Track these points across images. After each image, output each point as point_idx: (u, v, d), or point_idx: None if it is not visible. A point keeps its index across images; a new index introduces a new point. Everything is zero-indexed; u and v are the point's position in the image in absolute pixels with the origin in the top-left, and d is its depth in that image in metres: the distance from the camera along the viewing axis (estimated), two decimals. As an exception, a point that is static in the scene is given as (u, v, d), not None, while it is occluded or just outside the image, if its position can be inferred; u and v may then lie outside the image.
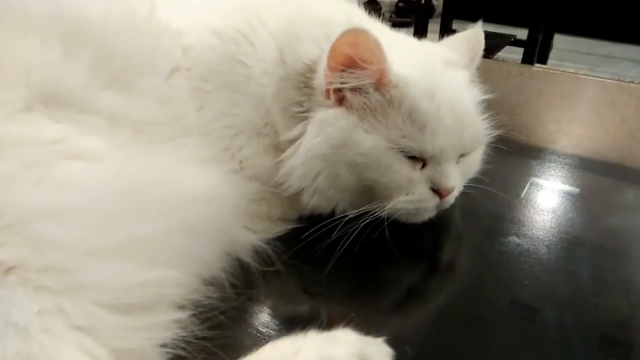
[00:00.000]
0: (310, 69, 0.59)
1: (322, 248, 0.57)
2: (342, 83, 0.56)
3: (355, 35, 0.53)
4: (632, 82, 1.22)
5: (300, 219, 0.63)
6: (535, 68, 1.42)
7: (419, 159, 0.58)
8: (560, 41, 2.65)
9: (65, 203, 0.39)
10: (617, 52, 2.98)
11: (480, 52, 0.69)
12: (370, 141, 0.56)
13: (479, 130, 0.62)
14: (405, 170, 0.57)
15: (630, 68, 2.79)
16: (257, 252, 0.56)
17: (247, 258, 0.55)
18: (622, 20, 3.02)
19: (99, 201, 0.41)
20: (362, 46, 0.53)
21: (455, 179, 0.60)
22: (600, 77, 1.26)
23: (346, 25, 0.54)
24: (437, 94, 0.57)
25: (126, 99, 0.53)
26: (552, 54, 2.58)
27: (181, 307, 0.42)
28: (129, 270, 0.38)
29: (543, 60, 2.53)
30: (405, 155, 0.57)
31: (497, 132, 0.66)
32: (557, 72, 1.32)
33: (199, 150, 0.54)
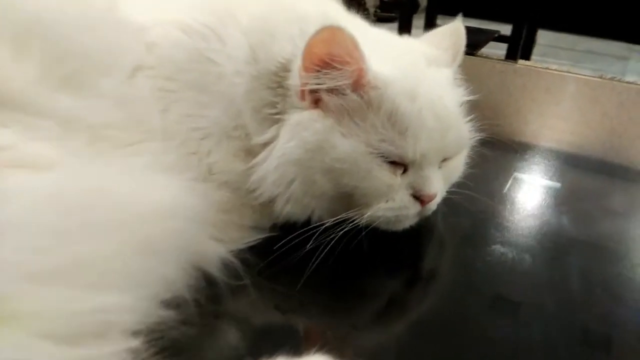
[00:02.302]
0: (285, 68, 0.55)
1: (296, 259, 0.53)
2: (317, 84, 0.52)
3: (330, 33, 0.49)
4: (614, 78, 1.24)
5: (273, 227, 0.59)
6: (518, 65, 1.41)
7: (399, 164, 0.55)
8: (542, 37, 2.65)
9: (2, 220, 0.35)
10: (599, 48, 2.99)
11: (462, 47, 0.65)
12: (347, 145, 0.53)
13: (462, 133, 0.60)
14: (385, 176, 0.54)
15: (613, 63, 2.80)
16: (226, 265, 0.52)
17: (215, 271, 0.51)
18: (604, 17, 3.02)
19: (43, 217, 0.37)
20: (338, 45, 0.50)
21: (438, 184, 0.57)
22: (583, 75, 1.27)
23: (321, 22, 0.51)
24: (418, 95, 0.54)
25: (82, 101, 0.49)
26: (535, 49, 2.57)
27: (136, 334, 0.38)
28: (74, 296, 0.34)
29: (526, 56, 2.52)
30: (385, 161, 0.53)
31: (481, 135, 0.63)
32: (540, 69, 1.32)
33: (162, 156, 0.50)
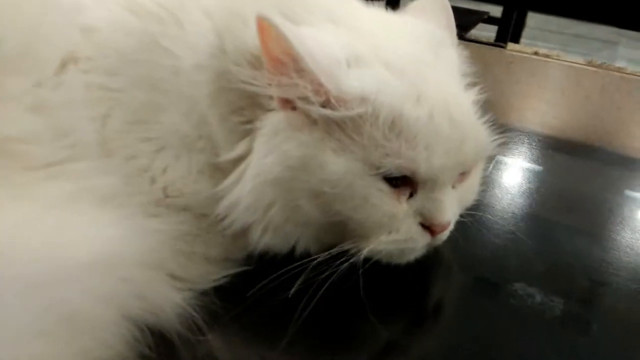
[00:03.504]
0: (261, 62, 0.43)
1: (277, 304, 0.42)
2: (281, 91, 0.41)
3: (263, 31, 0.38)
4: (603, 64, 1.22)
5: (248, 258, 0.48)
6: (507, 51, 1.36)
7: (405, 187, 0.44)
8: (532, 19, 2.55)
9: None
10: (588, 32, 2.90)
11: (453, 22, 0.54)
12: (340, 165, 0.41)
13: (482, 140, 0.48)
14: (386, 204, 0.43)
15: (602, 48, 2.73)
16: (184, 317, 0.40)
17: (170, 325, 0.40)
18: (594, 0, 2.94)
19: None
20: (277, 50, 0.39)
21: (452, 210, 0.46)
22: (571, 62, 1.24)
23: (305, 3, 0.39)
24: (425, 96, 0.43)
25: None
26: (524, 32, 2.47)
27: None
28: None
29: (516, 39, 2.43)
30: (388, 184, 0.42)
31: (502, 139, 0.52)
32: (527, 55, 1.29)
33: (97, 179, 0.38)
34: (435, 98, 0.43)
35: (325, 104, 0.40)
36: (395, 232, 0.44)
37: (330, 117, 0.40)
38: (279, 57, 0.40)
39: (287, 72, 0.40)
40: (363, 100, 0.40)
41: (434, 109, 0.42)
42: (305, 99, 0.40)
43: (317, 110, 0.40)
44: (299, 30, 0.40)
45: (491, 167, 0.71)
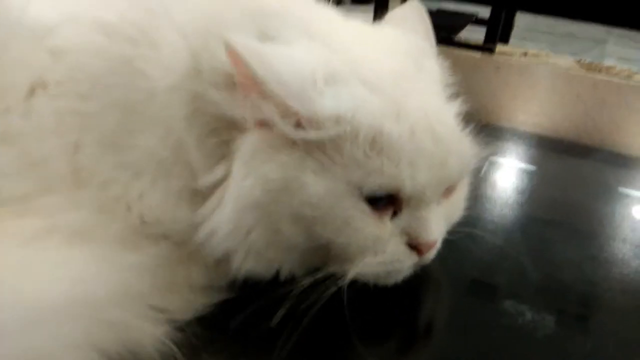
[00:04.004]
0: (232, 83, 0.42)
1: (261, 333, 0.41)
2: (254, 113, 0.40)
3: (230, 54, 0.37)
4: (592, 63, 1.26)
5: (232, 285, 0.46)
6: (495, 57, 1.37)
7: (388, 206, 0.42)
8: (520, 19, 2.56)
9: None
10: (577, 31, 2.91)
11: (432, 32, 0.53)
12: (321, 186, 0.40)
13: (466, 154, 0.46)
14: (370, 226, 0.41)
15: (591, 47, 2.73)
16: (165, 353, 0.39)
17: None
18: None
19: None
20: (243, 73, 0.38)
21: (438, 228, 0.45)
22: (559, 62, 1.28)
23: (282, 19, 0.38)
24: (406, 111, 0.41)
25: None
26: (513, 32, 2.48)
27: None
28: None
29: (505, 39, 2.43)
30: (370, 205, 0.41)
31: (489, 152, 0.51)
32: (515, 56, 1.31)
33: (67, 213, 0.36)
34: (417, 113, 0.42)
35: (297, 125, 0.39)
36: (381, 254, 0.43)
37: (307, 138, 0.39)
38: (246, 81, 0.38)
39: (255, 95, 0.39)
40: (338, 119, 0.39)
41: (415, 124, 0.41)
42: (277, 121, 0.39)
43: (290, 132, 0.39)
44: (269, 49, 0.39)
45: (485, 168, 0.71)
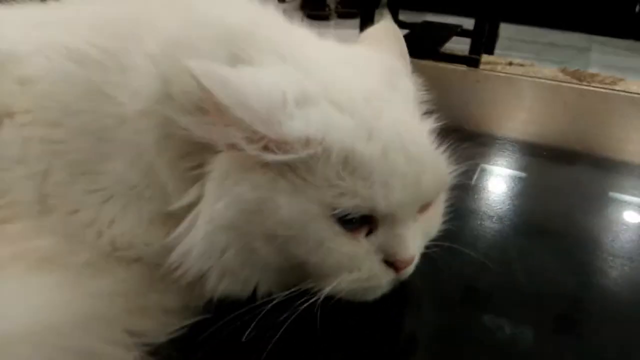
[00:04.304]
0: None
1: (234, 351, 0.41)
2: (222, 138, 0.40)
3: (197, 81, 0.37)
4: (577, 70, 1.27)
5: (208, 305, 0.46)
6: (482, 72, 1.39)
7: (363, 225, 0.42)
8: (504, 30, 2.59)
9: None
10: (561, 40, 2.95)
11: (406, 50, 0.53)
12: (294, 206, 0.40)
13: (441, 171, 0.46)
14: (344, 245, 0.41)
15: (575, 55, 2.76)
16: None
17: None
18: (565, 9, 3.00)
19: None
20: (208, 100, 0.38)
21: (415, 244, 0.45)
22: (542, 74, 1.31)
23: (250, 42, 0.38)
24: (377, 131, 0.41)
25: None
26: (498, 43, 2.51)
27: None
28: None
29: (490, 50, 2.46)
30: (343, 226, 0.41)
31: (462, 168, 0.51)
32: (501, 74, 1.32)
33: (34, 240, 0.36)
34: (389, 133, 0.42)
35: (266, 149, 0.39)
36: (356, 271, 0.43)
37: (277, 160, 0.39)
38: (210, 107, 0.38)
39: (222, 120, 0.39)
40: (308, 141, 0.39)
41: (388, 144, 0.41)
42: (244, 145, 0.39)
43: (259, 155, 0.39)
44: (235, 73, 0.39)
45: (476, 176, 0.72)
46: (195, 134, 0.40)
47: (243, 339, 0.41)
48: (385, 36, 0.54)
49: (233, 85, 0.37)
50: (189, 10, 0.47)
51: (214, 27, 0.45)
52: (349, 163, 0.40)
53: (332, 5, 3.44)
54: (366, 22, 2.47)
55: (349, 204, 0.40)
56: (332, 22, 3.04)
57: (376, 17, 2.59)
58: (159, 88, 0.43)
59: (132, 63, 0.44)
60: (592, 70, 2.29)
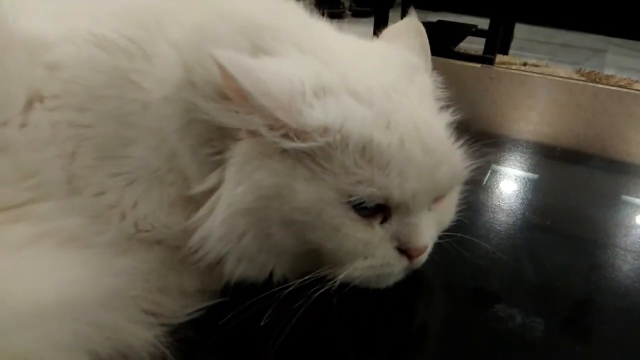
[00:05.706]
0: (224, 94, 0.43)
1: (252, 334, 0.42)
2: (244, 124, 0.41)
3: (220, 71, 0.38)
4: (592, 72, 1.26)
5: (225, 288, 0.47)
6: (495, 68, 1.38)
7: (377, 212, 0.43)
8: (519, 30, 2.57)
9: None
10: (576, 41, 2.93)
11: (428, 47, 0.54)
12: (312, 192, 0.41)
13: (456, 164, 0.47)
14: (359, 232, 0.42)
15: (590, 57, 2.74)
16: (156, 355, 0.40)
17: None
18: (581, 10, 2.98)
19: None
20: (232, 87, 0.39)
21: (428, 233, 0.46)
22: (558, 73, 1.29)
23: (273, 33, 0.39)
24: (395, 121, 0.42)
25: None
26: (513, 43, 2.49)
27: None
28: None
29: (504, 50, 2.45)
30: (359, 213, 0.42)
31: (477, 163, 0.51)
32: (516, 72, 1.31)
33: (61, 220, 0.37)
34: (406, 124, 0.43)
35: (286, 136, 0.40)
36: (371, 258, 0.44)
37: (296, 148, 0.40)
38: (234, 94, 0.40)
39: (244, 107, 0.40)
40: (326, 130, 0.40)
41: (405, 134, 0.42)
42: (265, 132, 0.40)
43: (279, 142, 0.40)
44: (258, 63, 0.40)
45: (487, 176, 0.73)
46: (218, 120, 0.41)
47: (261, 324, 0.42)
48: (406, 32, 0.54)
49: (256, 74, 0.38)
50: (212, 0, 0.48)
51: (236, 18, 0.46)
52: (367, 152, 0.41)
53: (347, 4, 3.44)
54: (380, 21, 2.47)
55: (364, 192, 0.41)
56: (345, 21, 3.05)
57: (391, 17, 2.60)
58: (182, 75, 0.44)
59: (157, 51, 0.45)
60: (608, 72, 2.28)
